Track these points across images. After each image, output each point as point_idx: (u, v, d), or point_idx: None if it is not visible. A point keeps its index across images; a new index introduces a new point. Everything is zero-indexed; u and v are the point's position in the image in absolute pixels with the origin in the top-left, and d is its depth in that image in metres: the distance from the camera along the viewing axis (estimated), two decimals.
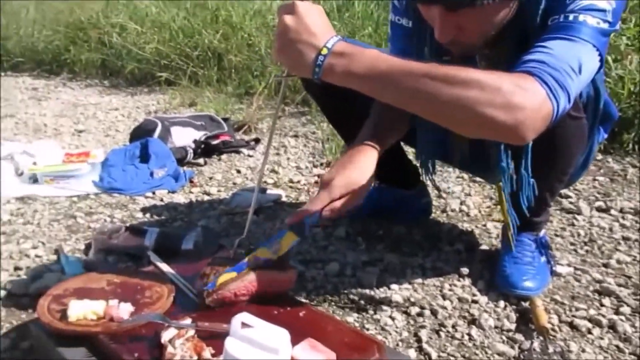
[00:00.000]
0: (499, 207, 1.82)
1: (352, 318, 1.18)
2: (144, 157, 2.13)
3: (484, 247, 1.53)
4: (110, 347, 0.92)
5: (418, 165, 1.40)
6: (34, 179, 1.96)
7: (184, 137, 2.38)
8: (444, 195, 1.87)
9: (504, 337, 1.12)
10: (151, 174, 2.02)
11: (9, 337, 1.10)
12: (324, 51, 0.90)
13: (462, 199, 1.88)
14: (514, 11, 0.99)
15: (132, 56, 4.16)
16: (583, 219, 1.69)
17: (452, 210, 1.78)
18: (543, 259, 1.33)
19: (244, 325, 0.75)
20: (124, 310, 0.97)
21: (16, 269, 1.39)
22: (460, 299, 1.26)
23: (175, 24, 4.07)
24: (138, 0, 4.56)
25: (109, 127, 3.00)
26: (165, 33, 4.07)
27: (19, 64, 5.07)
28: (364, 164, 1.13)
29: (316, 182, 2.07)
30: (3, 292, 1.25)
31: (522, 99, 0.86)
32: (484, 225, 1.67)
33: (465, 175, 2.08)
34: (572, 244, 1.56)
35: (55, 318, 0.97)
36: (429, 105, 0.90)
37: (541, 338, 1.09)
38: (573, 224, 1.68)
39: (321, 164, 2.28)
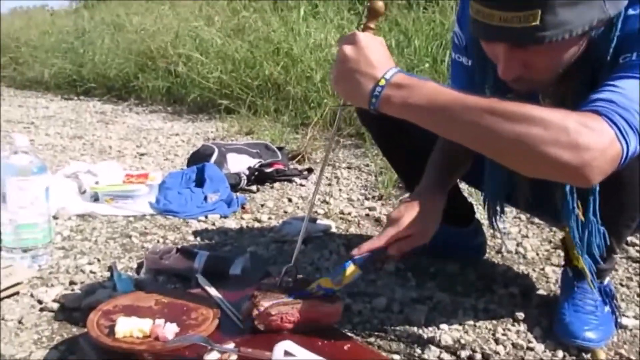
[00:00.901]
0: (558, 251, 1.75)
1: (398, 356, 1.14)
2: (200, 181, 2.18)
3: (541, 291, 1.45)
4: None
5: (483, 206, 1.35)
6: (95, 198, 2.03)
7: (239, 163, 2.42)
8: (499, 235, 1.80)
9: None
10: (205, 198, 2.06)
11: (58, 349, 1.12)
12: (382, 82, 0.90)
13: (518, 240, 1.80)
14: (584, 48, 0.96)
15: (195, 85, 4.33)
16: None
17: (508, 252, 1.71)
18: (607, 309, 1.25)
19: (286, 353, 0.73)
20: (169, 330, 0.98)
21: (71, 283, 1.43)
22: (514, 345, 1.19)
23: (238, 55, 4.21)
24: (205, 31, 4.75)
25: (169, 152, 3.10)
26: (228, 64, 4.22)
27: (91, 89, 5.37)
28: (432, 205, 1.14)
29: (367, 215, 2.04)
30: (56, 305, 1.28)
31: (589, 139, 0.82)
32: (542, 269, 1.59)
33: (523, 216, 2.00)
34: (639, 295, 1.45)
35: (103, 333, 0.98)
36: (489, 141, 0.87)
37: None
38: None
39: (373, 197, 2.26)
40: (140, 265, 1.51)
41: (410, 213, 1.10)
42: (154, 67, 4.90)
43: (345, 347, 0.99)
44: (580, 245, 1.09)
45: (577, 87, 1.00)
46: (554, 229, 1.88)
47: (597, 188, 1.03)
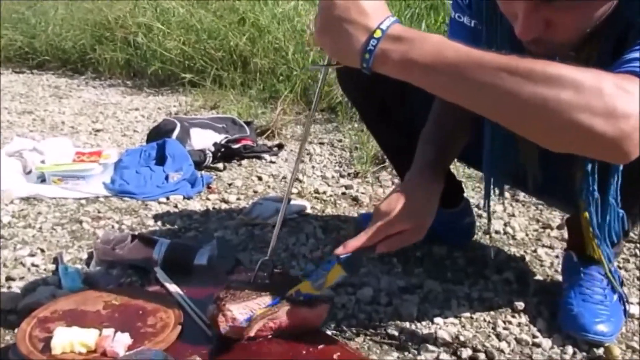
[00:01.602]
0: (547, 231, 1.64)
1: (391, 358, 1.00)
2: (161, 159, 1.98)
3: (537, 277, 1.33)
4: None
5: (486, 189, 1.20)
6: (42, 178, 1.81)
7: (204, 139, 2.23)
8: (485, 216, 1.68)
9: None
10: (166, 178, 1.87)
11: None
12: (377, 33, 0.73)
13: (505, 219, 1.68)
14: (615, 6, 0.81)
15: (156, 57, 4.07)
16: None
17: (496, 232, 1.59)
18: (615, 297, 1.13)
19: None
20: (119, 342, 0.80)
21: (8, 279, 1.23)
22: (518, 341, 1.06)
23: (201, 26, 3.97)
24: (166, 0, 4.47)
25: (127, 127, 2.88)
26: (191, 34, 3.97)
27: (45, 62, 5.02)
28: (428, 194, 0.99)
29: (344, 194, 1.89)
30: None
31: (628, 104, 0.67)
32: (534, 251, 1.47)
33: (506, 194, 1.88)
34: (639, 278, 1.35)
35: (37, 349, 0.80)
36: (506, 106, 0.72)
37: None
38: (636, 255, 1.47)
39: (349, 174, 2.11)
40: (90, 256, 1.33)
41: (401, 205, 0.94)
42: (112, 39, 4.59)
43: (335, 356, 0.84)
44: (599, 232, 0.96)
45: (602, 52, 0.86)
46: (540, 206, 1.78)
47: (620, 167, 0.90)
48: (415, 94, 0.84)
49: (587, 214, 0.98)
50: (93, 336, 0.81)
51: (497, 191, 1.16)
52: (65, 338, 0.79)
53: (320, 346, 0.85)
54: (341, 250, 0.93)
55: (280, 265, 0.96)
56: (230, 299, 0.85)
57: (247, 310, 0.85)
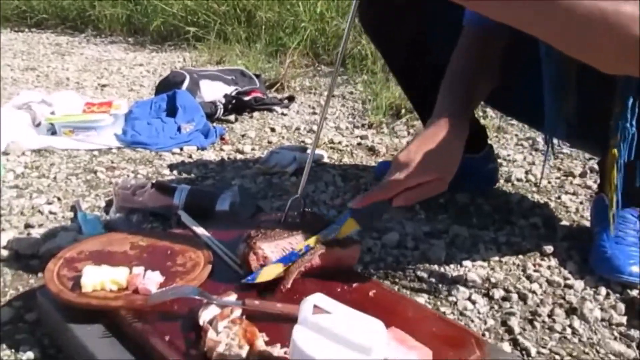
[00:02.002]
0: (570, 178, 1.61)
1: (422, 299, 0.98)
2: (171, 111, 1.94)
3: (564, 222, 1.31)
4: (134, 327, 0.73)
5: (546, 134, 1.12)
6: (52, 131, 1.77)
7: (214, 91, 2.17)
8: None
9: (615, 333, 0.91)
10: (178, 129, 1.83)
11: (12, 306, 0.92)
12: None
13: (526, 168, 1.65)
14: None
15: (157, 12, 3.98)
16: None
17: (519, 180, 1.56)
18: None
19: (317, 309, 0.55)
20: (151, 280, 0.78)
21: (27, 226, 1.21)
22: (549, 283, 1.04)
23: None
24: None
25: (133, 82, 2.82)
26: None
27: (43, 20, 4.91)
28: (451, 145, 0.90)
29: (359, 145, 1.85)
30: (6, 252, 1.07)
31: None
32: (559, 198, 1.45)
33: (526, 143, 1.85)
34: None
35: (67, 287, 0.78)
36: (563, 23, 0.66)
37: None
38: None
39: (363, 125, 2.07)
40: (109, 204, 1.30)
41: (422, 155, 0.86)
42: None
43: (371, 294, 0.82)
44: (622, 169, 0.92)
45: None
46: (560, 155, 1.74)
47: None
48: (438, 32, 0.78)
49: (615, 151, 0.94)
50: (123, 274, 0.78)
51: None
52: (96, 276, 0.77)
53: (355, 284, 0.83)
54: (356, 203, 0.88)
55: (308, 197, 0.91)
56: (262, 237, 0.82)
57: (279, 249, 0.82)
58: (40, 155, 1.65)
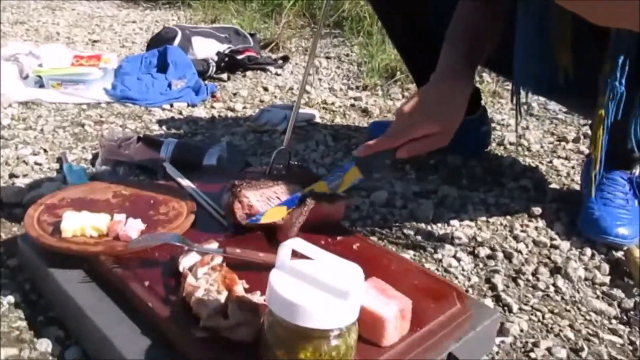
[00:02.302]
0: (563, 143, 1.60)
1: (407, 256, 0.98)
2: (162, 67, 1.90)
3: (554, 185, 1.30)
4: (114, 272, 0.72)
5: (514, 92, 1.11)
6: (40, 83, 1.74)
7: (206, 48, 2.13)
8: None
9: (598, 292, 0.91)
10: (169, 85, 1.79)
11: None
12: None
13: (519, 132, 1.64)
14: None
15: None
16: None
17: (511, 144, 1.54)
18: (637, 202, 1.10)
19: (295, 254, 0.55)
20: (132, 227, 0.77)
21: (11, 176, 1.19)
22: (536, 243, 1.04)
23: None
24: None
25: (125, 39, 2.76)
26: None
27: None
28: (455, 99, 0.89)
29: (353, 106, 1.83)
30: None
31: None
32: (550, 162, 1.44)
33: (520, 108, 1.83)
34: None
35: (46, 232, 0.77)
36: None
37: None
38: None
39: (357, 87, 2.04)
40: (95, 157, 1.28)
41: (427, 106, 0.85)
42: None
43: (355, 247, 0.81)
44: (608, 128, 0.91)
45: None
46: (555, 120, 1.73)
47: None
48: None
49: (602, 111, 0.92)
50: (104, 220, 0.77)
51: (525, 94, 1.08)
52: (76, 221, 0.76)
53: (339, 237, 0.82)
54: (359, 152, 0.87)
55: (298, 156, 0.91)
56: (247, 186, 0.81)
57: (264, 197, 0.81)
58: (28, 107, 1.62)
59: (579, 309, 0.87)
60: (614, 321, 0.85)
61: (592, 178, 1.02)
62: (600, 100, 0.92)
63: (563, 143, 1.57)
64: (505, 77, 1.70)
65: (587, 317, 0.85)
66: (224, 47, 2.17)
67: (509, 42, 1.04)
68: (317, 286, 0.52)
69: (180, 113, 1.67)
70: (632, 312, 0.85)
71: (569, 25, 0.93)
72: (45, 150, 1.33)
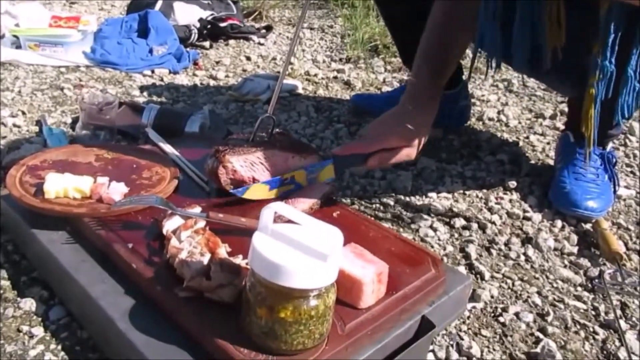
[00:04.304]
0: (540, 120, 1.63)
1: (385, 225, 1.00)
2: (143, 32, 1.87)
3: (530, 160, 1.34)
4: (97, 234, 0.73)
5: (487, 63, 1.11)
6: (17, 44, 1.70)
7: (189, 14, 2.10)
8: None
9: (566, 262, 0.95)
10: (150, 51, 1.77)
11: None
12: None
13: (498, 108, 1.67)
14: None
15: None
16: (636, 140, 1.50)
17: (490, 119, 1.57)
18: (607, 177, 1.14)
19: (277, 218, 0.56)
20: (115, 190, 0.78)
21: None
22: (509, 215, 1.08)
23: None
24: None
25: (104, 1, 2.69)
26: None
27: None
28: (423, 120, 0.97)
29: (335, 78, 1.83)
30: None
31: None
32: (527, 138, 1.47)
33: (501, 85, 1.86)
34: (627, 165, 1.37)
35: (29, 193, 0.77)
36: None
37: (609, 265, 0.92)
38: (626, 144, 1.48)
39: (340, 59, 2.04)
40: (75, 120, 1.27)
41: (395, 122, 0.95)
42: None
43: (335, 215, 0.83)
44: (599, 107, 0.94)
45: None
46: (533, 97, 1.76)
47: None
48: None
49: (593, 90, 0.95)
50: (87, 183, 0.78)
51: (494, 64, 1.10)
52: (59, 183, 0.76)
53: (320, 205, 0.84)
54: (339, 151, 0.94)
55: (280, 126, 0.92)
56: (231, 152, 0.82)
57: (248, 163, 0.83)
58: (5, 68, 1.59)
59: (547, 277, 0.91)
60: (579, 288, 0.89)
61: (586, 155, 1.07)
62: (591, 80, 0.94)
63: (540, 119, 1.61)
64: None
65: (554, 285, 0.89)
66: (206, 14, 2.14)
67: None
68: (298, 248, 0.54)
69: (162, 80, 1.65)
70: (596, 280, 0.89)
71: (559, 2, 0.95)
72: (23, 113, 1.32)
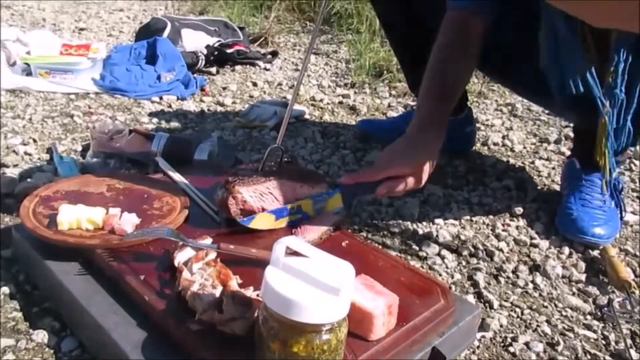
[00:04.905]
0: (544, 144, 1.64)
1: (394, 253, 1.01)
2: (151, 59, 1.90)
3: (535, 186, 1.34)
4: (110, 265, 0.74)
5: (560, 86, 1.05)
6: (27, 71, 1.73)
7: (196, 41, 2.14)
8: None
9: (574, 289, 0.95)
10: (158, 78, 1.80)
11: None
12: None
13: (503, 132, 1.68)
14: None
15: None
16: None
17: (495, 144, 1.58)
18: (613, 203, 1.14)
19: (289, 252, 0.57)
20: (127, 221, 0.79)
21: (1, 166, 1.20)
22: (516, 242, 1.08)
23: None
24: None
25: (112, 27, 2.75)
26: None
27: None
28: (429, 147, 0.97)
29: (341, 103, 1.85)
30: None
31: None
32: (532, 163, 1.48)
33: (505, 109, 1.88)
34: (633, 190, 1.37)
35: (42, 224, 0.78)
36: None
37: (618, 293, 0.92)
38: (631, 169, 1.49)
39: (345, 85, 2.06)
40: (85, 148, 1.29)
41: (400, 151, 0.95)
42: None
43: (343, 244, 0.84)
44: (612, 135, 0.95)
45: None
46: (538, 122, 1.78)
47: None
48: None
49: (605, 118, 0.96)
50: (100, 214, 0.79)
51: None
52: (72, 214, 0.77)
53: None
54: (346, 179, 0.94)
55: (288, 155, 0.93)
56: (240, 182, 0.83)
57: (257, 193, 0.84)
58: (15, 95, 1.62)
59: (555, 305, 0.91)
60: (588, 317, 0.89)
61: (603, 186, 1.08)
62: (604, 110, 0.95)
63: (545, 144, 1.62)
64: (494, 80, 1.74)
65: (564, 313, 0.89)
66: (213, 40, 2.18)
67: (499, 46, 1.07)
68: (310, 282, 0.55)
69: (170, 106, 1.68)
70: (605, 309, 0.89)
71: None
72: (34, 140, 1.33)
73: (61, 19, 2.82)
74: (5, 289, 0.82)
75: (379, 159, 0.97)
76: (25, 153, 1.25)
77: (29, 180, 1.09)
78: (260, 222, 0.84)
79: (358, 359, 0.62)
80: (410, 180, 0.94)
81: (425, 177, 0.97)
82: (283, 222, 0.87)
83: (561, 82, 0.98)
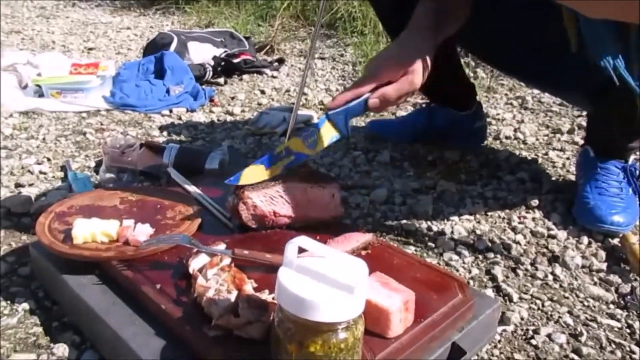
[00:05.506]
0: (558, 135, 1.62)
1: (409, 251, 1.00)
2: (159, 73, 1.92)
3: (550, 177, 1.33)
4: (126, 276, 0.74)
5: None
6: (39, 93, 1.76)
7: (202, 53, 2.15)
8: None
9: (595, 279, 0.93)
10: (167, 91, 1.81)
11: (6, 261, 0.94)
12: None
13: (514, 126, 1.66)
14: None
15: None
16: None
17: (507, 138, 1.57)
18: (631, 190, 1.13)
19: (301, 252, 0.57)
20: (141, 232, 0.79)
21: (17, 185, 1.21)
22: (533, 233, 1.07)
23: None
24: None
25: (120, 46, 2.78)
26: None
27: None
28: (418, 44, 0.87)
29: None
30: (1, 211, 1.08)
31: None
32: (546, 154, 1.46)
33: (515, 102, 1.86)
34: None
35: (58, 239, 0.79)
36: None
37: None
38: None
39: None
40: (98, 164, 1.30)
41: (387, 52, 0.86)
42: None
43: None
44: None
45: None
46: (549, 113, 1.76)
47: None
48: None
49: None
50: (114, 226, 0.80)
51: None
52: (86, 228, 0.78)
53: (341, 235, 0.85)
54: (332, 103, 0.85)
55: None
56: (250, 188, 0.83)
57: (267, 197, 0.84)
58: (28, 117, 1.64)
59: (577, 295, 0.89)
60: (611, 306, 0.87)
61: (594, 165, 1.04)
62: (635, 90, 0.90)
63: (558, 135, 1.60)
64: (501, 72, 1.72)
65: (585, 303, 0.87)
66: (219, 51, 2.19)
67: (503, 36, 1.06)
68: (324, 281, 0.54)
69: (180, 118, 1.69)
70: (629, 297, 0.87)
71: None
72: (48, 159, 1.35)
73: (70, 40, 2.87)
74: (25, 305, 0.83)
75: (366, 68, 0.87)
76: (40, 172, 1.27)
77: (43, 198, 1.10)
78: (250, 176, 0.81)
79: (377, 357, 0.61)
80: (405, 81, 0.84)
81: (421, 75, 0.86)
82: (277, 169, 0.83)
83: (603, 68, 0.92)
